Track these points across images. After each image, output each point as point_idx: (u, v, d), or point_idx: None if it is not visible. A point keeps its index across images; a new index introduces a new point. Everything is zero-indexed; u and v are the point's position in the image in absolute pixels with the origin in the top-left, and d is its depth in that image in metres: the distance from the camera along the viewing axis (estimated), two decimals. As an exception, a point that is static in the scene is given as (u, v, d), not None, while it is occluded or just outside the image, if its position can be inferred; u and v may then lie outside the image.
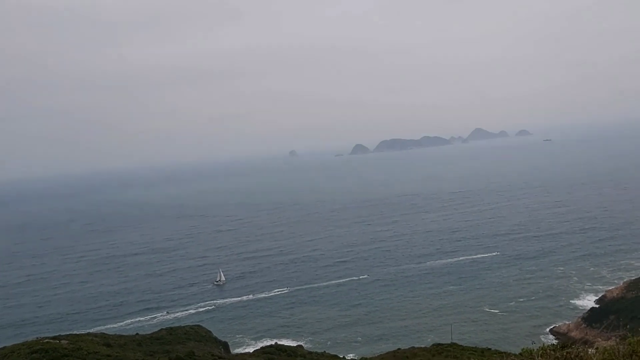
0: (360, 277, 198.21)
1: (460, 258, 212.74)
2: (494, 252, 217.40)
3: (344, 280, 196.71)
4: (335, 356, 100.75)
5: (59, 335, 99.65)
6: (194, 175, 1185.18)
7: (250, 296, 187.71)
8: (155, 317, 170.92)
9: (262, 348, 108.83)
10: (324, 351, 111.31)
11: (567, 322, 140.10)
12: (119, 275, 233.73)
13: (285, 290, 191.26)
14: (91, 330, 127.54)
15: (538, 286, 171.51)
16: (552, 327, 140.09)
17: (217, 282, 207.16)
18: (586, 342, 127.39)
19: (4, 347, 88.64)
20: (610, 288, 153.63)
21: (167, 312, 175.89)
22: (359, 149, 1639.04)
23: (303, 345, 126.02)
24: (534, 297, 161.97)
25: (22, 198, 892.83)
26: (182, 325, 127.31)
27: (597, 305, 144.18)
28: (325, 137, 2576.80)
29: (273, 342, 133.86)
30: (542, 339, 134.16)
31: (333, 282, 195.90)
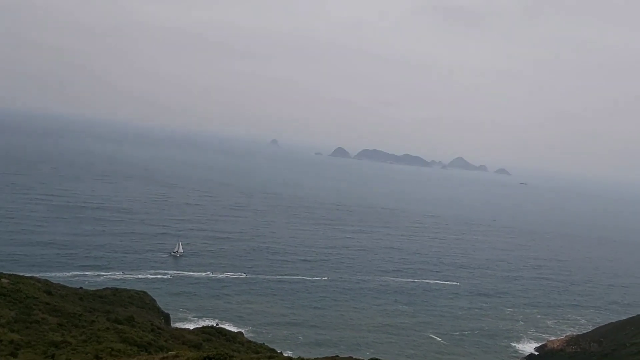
0: (317, 278, 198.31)
1: (417, 280, 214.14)
2: (453, 281, 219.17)
3: (300, 278, 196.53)
4: (274, 350, 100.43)
5: (1, 272, 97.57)
6: (174, 143, 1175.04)
7: (204, 274, 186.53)
8: (102, 275, 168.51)
9: (202, 327, 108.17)
10: (263, 343, 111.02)
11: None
12: (75, 226, 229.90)
13: (242, 275, 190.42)
14: (35, 275, 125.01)
15: (485, 322, 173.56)
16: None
17: (174, 252, 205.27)
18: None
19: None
20: (552, 339, 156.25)
21: (123, 273, 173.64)
22: (340, 152, 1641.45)
23: (244, 332, 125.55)
24: (477, 332, 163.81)
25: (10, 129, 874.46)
26: (128, 289, 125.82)
27: (536, 353, 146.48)
28: (307, 133, 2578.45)
29: (214, 323, 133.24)
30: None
31: (290, 277, 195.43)
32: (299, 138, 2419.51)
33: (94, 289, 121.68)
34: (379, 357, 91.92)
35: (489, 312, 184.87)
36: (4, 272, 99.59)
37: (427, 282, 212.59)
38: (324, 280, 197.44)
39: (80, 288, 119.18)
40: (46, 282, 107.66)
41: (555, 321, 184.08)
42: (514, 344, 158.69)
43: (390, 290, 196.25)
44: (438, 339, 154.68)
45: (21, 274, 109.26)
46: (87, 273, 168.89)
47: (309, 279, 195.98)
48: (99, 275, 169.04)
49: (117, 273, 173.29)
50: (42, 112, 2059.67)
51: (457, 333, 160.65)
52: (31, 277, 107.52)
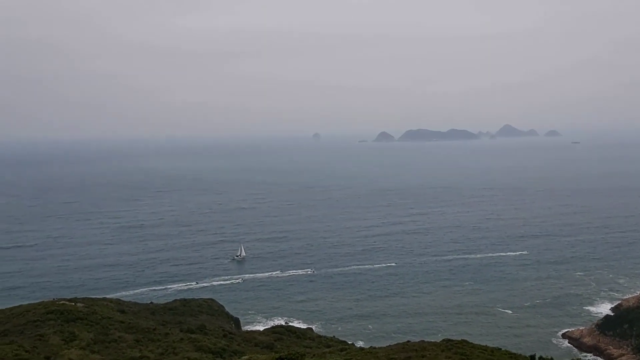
0: (378, 265, 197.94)
1: (480, 255, 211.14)
2: (518, 251, 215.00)
3: (362, 267, 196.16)
4: (345, 342, 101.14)
5: (76, 298, 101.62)
6: (220, 151, 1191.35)
7: (267, 274, 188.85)
8: (169, 288, 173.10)
9: (272, 327, 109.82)
10: (334, 336, 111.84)
11: (580, 328, 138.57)
12: (138, 244, 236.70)
13: (305, 271, 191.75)
14: (107, 296, 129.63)
15: (555, 289, 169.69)
16: (564, 331, 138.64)
17: (236, 256, 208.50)
18: (598, 349, 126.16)
19: (20, 306, 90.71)
20: (627, 297, 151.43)
21: (190, 283, 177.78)
22: (384, 136, 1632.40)
23: (313, 328, 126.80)
24: (548, 300, 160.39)
25: (55, 159, 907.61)
26: (196, 298, 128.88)
27: (612, 313, 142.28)
28: (349, 123, 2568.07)
29: (284, 322, 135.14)
30: (554, 342, 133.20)
31: (352, 268, 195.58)
32: (342, 129, 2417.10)
33: (164, 302, 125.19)
34: (450, 338, 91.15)
35: (559, 279, 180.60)
36: (79, 297, 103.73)
37: (492, 256, 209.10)
38: (387, 267, 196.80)
39: (151, 303, 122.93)
40: (118, 302, 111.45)
41: (628, 279, 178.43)
42: (587, 307, 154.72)
43: (455, 269, 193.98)
44: (509, 312, 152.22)
45: (94, 296, 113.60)
46: (155, 288, 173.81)
47: (372, 268, 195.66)
48: (166, 288, 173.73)
49: (184, 284, 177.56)
50: (84, 139, 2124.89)
51: (528, 304, 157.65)
52: (103, 299, 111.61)
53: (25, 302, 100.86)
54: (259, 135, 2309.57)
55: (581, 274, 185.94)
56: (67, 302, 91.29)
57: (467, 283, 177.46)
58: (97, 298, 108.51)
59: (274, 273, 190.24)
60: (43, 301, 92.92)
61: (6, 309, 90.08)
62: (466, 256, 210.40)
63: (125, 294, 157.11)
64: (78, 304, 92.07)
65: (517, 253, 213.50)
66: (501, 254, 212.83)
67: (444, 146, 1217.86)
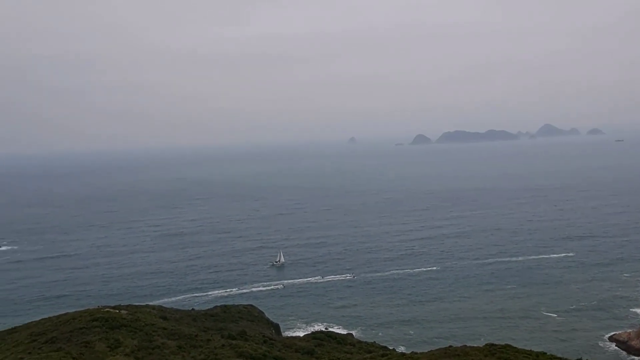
0: (417, 270, 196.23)
1: (522, 258, 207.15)
2: (562, 254, 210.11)
3: (402, 272, 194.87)
4: (385, 348, 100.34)
5: (119, 305, 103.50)
6: (255, 156, 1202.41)
7: (307, 279, 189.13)
8: (209, 294, 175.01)
9: (312, 333, 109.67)
10: (374, 342, 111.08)
11: (628, 331, 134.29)
12: (179, 252, 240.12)
13: (344, 277, 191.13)
14: (150, 303, 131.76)
15: (601, 292, 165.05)
16: (611, 334, 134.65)
17: (276, 262, 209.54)
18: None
19: (66, 314, 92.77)
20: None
21: (230, 289, 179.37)
22: (421, 139, 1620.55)
23: (354, 334, 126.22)
24: (594, 302, 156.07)
25: (98, 169, 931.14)
26: (236, 304, 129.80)
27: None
28: (385, 125, 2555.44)
29: (324, 328, 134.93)
30: (601, 345, 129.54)
31: (392, 273, 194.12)
32: (378, 132, 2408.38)
33: (205, 308, 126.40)
34: (494, 342, 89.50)
35: (605, 281, 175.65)
36: (122, 304, 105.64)
37: (536, 259, 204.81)
38: (428, 272, 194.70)
39: (192, 309, 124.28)
40: (160, 308, 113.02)
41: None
42: (634, 309, 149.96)
43: (498, 272, 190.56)
44: (553, 315, 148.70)
45: (137, 303, 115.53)
46: (196, 294, 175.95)
47: (412, 272, 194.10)
48: (207, 294, 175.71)
49: (224, 290, 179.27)
50: (128, 148, 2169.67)
51: (573, 307, 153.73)
52: (146, 306, 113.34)
53: (72, 310, 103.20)
54: (294, 140, 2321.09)
55: (628, 275, 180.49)
56: (111, 310, 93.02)
57: (510, 286, 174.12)
58: (140, 305, 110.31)
59: (313, 279, 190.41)
60: (88, 309, 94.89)
61: (53, 317, 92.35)
62: (509, 259, 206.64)
63: (167, 301, 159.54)
64: (122, 311, 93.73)
65: (562, 255, 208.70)
66: (544, 256, 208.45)
67: (482, 147, 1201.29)
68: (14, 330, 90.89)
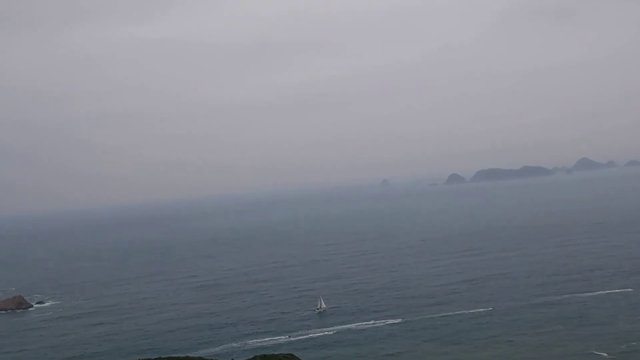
0: (466, 311, 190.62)
1: (568, 295, 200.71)
2: (620, 289, 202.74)
3: (450, 314, 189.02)
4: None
5: (159, 357, 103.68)
6: (289, 201, 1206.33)
7: (349, 326, 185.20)
8: (247, 344, 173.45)
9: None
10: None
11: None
12: (216, 302, 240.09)
13: (391, 322, 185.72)
14: (190, 355, 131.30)
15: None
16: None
17: (316, 309, 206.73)
18: None
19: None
20: None
21: (277, 337, 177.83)
22: (455, 178, 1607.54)
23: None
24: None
25: (140, 221, 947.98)
26: (276, 353, 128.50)
27: None
28: (419, 167, 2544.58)
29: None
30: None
31: (440, 316, 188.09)
32: (411, 173, 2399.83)
33: (244, 358, 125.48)
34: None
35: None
36: (162, 356, 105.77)
37: (588, 296, 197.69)
38: (477, 314, 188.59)
39: (232, 359, 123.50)
40: (200, 359, 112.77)
41: None
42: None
43: (546, 312, 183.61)
44: (604, 354, 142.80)
45: (175, 355, 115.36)
46: (233, 344, 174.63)
47: (459, 315, 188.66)
48: (245, 343, 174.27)
49: (263, 339, 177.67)
50: (164, 199, 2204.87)
51: (624, 345, 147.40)
52: (185, 357, 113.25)
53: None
54: (327, 184, 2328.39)
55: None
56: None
57: (558, 326, 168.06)
58: (180, 357, 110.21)
59: (354, 325, 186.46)
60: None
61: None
62: (557, 297, 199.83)
63: (206, 352, 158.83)
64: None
65: (618, 291, 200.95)
66: (600, 292, 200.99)
67: (518, 185, 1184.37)
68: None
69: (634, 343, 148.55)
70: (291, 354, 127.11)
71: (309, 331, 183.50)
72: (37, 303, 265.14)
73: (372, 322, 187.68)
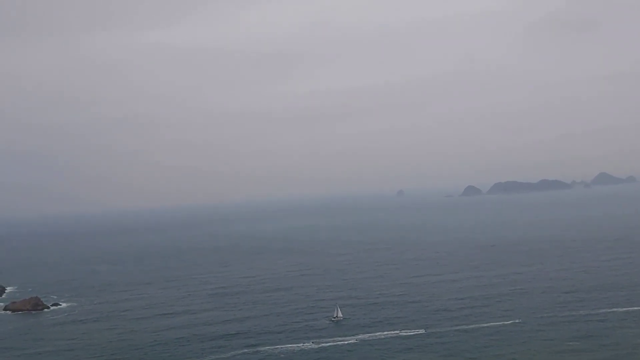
0: (486, 325, 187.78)
1: (591, 312, 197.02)
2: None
3: (469, 328, 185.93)
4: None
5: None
6: (304, 210, 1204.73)
7: (366, 336, 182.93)
8: (259, 352, 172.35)
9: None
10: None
11: None
12: (231, 310, 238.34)
13: (414, 332, 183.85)
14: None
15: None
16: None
17: (333, 318, 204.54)
18: None
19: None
20: None
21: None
22: (471, 190, 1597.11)
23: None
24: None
25: (155, 225, 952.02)
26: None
27: None
28: (435, 178, 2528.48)
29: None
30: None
31: (460, 328, 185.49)
32: (426, 184, 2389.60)
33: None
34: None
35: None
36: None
37: (605, 312, 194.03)
38: (492, 327, 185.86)
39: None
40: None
41: None
42: None
43: (565, 328, 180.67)
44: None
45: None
46: (245, 350, 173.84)
47: (479, 328, 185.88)
48: (257, 351, 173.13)
49: (278, 346, 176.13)
50: (182, 204, 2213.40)
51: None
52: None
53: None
54: (343, 193, 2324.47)
55: None
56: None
57: (571, 343, 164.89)
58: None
59: (371, 335, 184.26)
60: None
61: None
62: (573, 313, 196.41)
63: (216, 357, 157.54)
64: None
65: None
66: (628, 308, 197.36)
67: (536, 198, 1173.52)
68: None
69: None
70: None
71: (325, 339, 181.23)
72: (53, 304, 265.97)
73: (389, 332, 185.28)
